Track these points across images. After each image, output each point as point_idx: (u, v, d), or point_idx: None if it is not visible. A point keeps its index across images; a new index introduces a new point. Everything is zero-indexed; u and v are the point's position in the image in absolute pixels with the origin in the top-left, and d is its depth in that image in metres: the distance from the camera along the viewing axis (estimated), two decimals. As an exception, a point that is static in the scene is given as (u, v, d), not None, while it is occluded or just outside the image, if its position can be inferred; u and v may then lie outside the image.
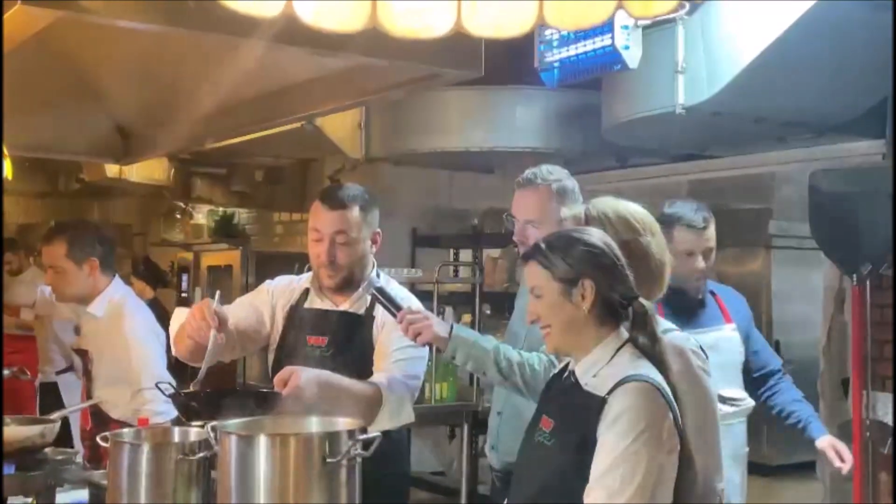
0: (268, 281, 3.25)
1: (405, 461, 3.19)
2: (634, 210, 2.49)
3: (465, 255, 8.00)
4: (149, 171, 8.28)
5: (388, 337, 2.92)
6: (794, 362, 6.91)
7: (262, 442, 1.98)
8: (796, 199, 6.29)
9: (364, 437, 2.01)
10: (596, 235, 2.24)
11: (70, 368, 6.55)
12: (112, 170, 7.96)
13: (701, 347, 2.45)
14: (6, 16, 2.28)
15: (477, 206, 7.49)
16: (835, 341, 5.92)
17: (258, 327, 3.09)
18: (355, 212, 2.97)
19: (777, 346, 7.10)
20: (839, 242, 4.93)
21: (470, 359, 2.76)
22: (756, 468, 7.11)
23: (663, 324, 2.36)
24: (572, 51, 4.31)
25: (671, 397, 2.09)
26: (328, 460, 1.95)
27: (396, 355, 2.89)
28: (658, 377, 2.10)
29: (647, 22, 4.10)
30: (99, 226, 4.48)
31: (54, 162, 8.87)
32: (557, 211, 3.02)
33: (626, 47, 4.08)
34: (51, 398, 6.19)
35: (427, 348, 2.94)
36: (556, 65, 4.39)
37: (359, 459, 2.02)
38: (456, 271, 7.72)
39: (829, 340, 6.02)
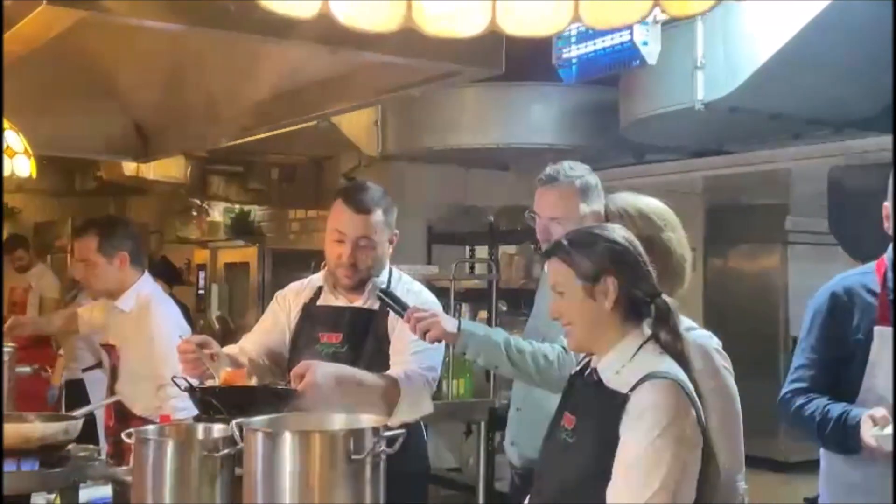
0: (278, 291, 3.27)
1: (425, 457, 3.19)
2: (655, 206, 2.49)
3: (481, 251, 8.00)
4: (166, 169, 8.31)
5: (402, 331, 2.92)
6: (811, 359, 6.92)
7: (288, 439, 1.99)
8: (813, 194, 6.27)
9: (389, 433, 2.02)
10: (618, 232, 2.23)
11: (98, 366, 6.57)
12: (129, 168, 8.00)
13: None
14: (30, 16, 2.30)
15: (493, 202, 7.48)
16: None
17: (282, 339, 3.13)
18: (379, 215, 2.99)
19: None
20: (859, 239, 4.90)
21: (481, 353, 2.75)
22: (774, 465, 7.13)
23: (685, 322, 2.35)
24: (590, 47, 4.30)
25: (694, 394, 2.08)
26: (353, 457, 1.96)
27: (412, 348, 2.90)
28: (681, 374, 2.10)
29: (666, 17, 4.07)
30: (129, 221, 4.55)
31: (71, 160, 8.91)
32: (580, 208, 3.01)
33: (645, 43, 4.06)
34: (76, 395, 6.21)
35: (442, 343, 2.94)
36: (574, 61, 4.38)
37: (383, 456, 2.02)
38: (472, 268, 7.71)
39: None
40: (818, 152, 5.81)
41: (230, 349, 3.05)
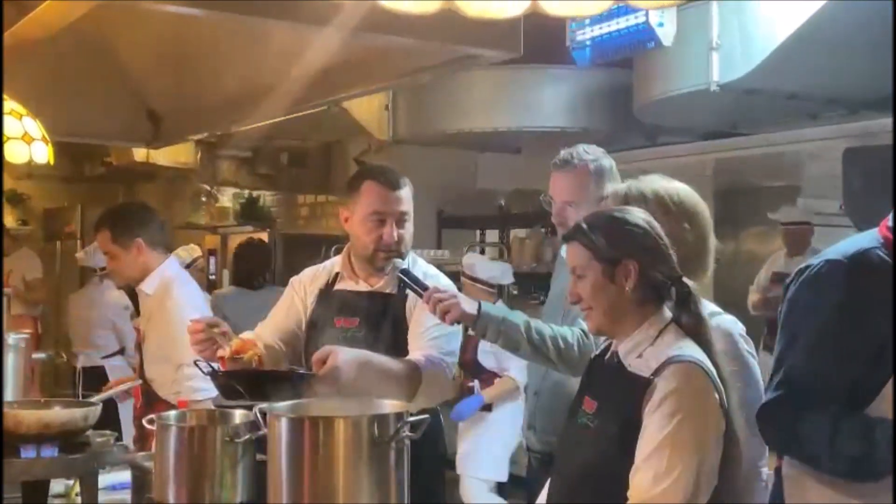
0: (294, 277, 3.26)
1: (442, 442, 3.18)
2: (675, 189, 2.45)
3: (492, 235, 7.99)
4: (175, 154, 8.31)
5: (420, 315, 2.90)
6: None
7: (312, 424, 1.99)
8: (824, 176, 6.23)
9: (412, 419, 2.01)
10: (638, 215, 2.21)
11: (120, 353, 6.59)
12: (139, 153, 8.00)
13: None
14: (45, 4, 2.29)
15: (503, 186, 7.46)
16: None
17: (299, 325, 3.10)
18: (409, 191, 2.98)
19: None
20: (874, 219, 4.86)
21: (500, 336, 2.72)
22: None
23: (709, 307, 2.34)
24: (605, 28, 4.26)
25: (716, 377, 2.06)
26: (377, 442, 1.95)
27: (431, 333, 2.87)
28: (702, 357, 2.08)
29: (683, -2, 4.04)
30: (141, 206, 4.51)
31: (80, 146, 8.90)
32: (596, 191, 3.00)
33: (661, 24, 4.02)
34: (95, 383, 6.20)
35: (460, 325, 2.91)
36: (587, 43, 4.33)
37: (407, 442, 2.01)
38: (482, 252, 7.71)
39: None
40: (831, 133, 5.78)
41: (245, 335, 3.04)
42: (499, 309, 2.83)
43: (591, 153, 3.09)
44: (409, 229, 2.97)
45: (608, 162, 3.09)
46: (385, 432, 1.97)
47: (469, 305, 2.71)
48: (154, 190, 11.05)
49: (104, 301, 6.63)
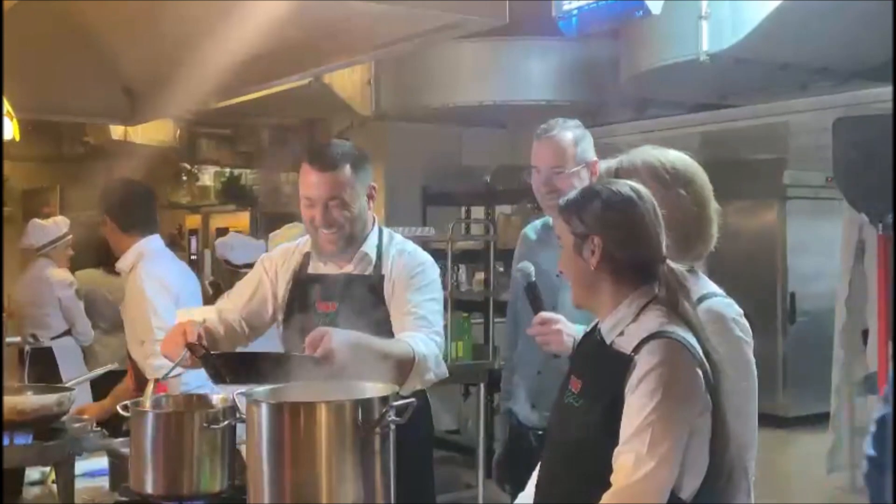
0: (263, 254, 3.15)
1: (430, 423, 3.10)
2: (667, 158, 2.35)
3: (477, 212, 7.90)
4: (154, 132, 8.19)
5: (401, 295, 2.82)
6: (810, 314, 6.88)
7: (293, 410, 1.90)
8: (810, 148, 6.18)
9: (398, 402, 1.92)
10: (622, 190, 2.14)
11: (67, 333, 6.47)
12: (117, 132, 7.88)
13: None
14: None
15: (488, 162, 7.37)
16: (854, 292, 5.81)
17: (264, 306, 2.99)
18: (346, 171, 2.81)
19: (792, 298, 7.06)
20: (865, 191, 4.82)
21: None
22: (771, 420, 7.11)
23: (707, 287, 2.26)
24: (592, -2, 4.17)
25: (701, 356, 1.99)
26: (361, 428, 1.87)
27: (416, 312, 2.79)
28: (687, 335, 2.01)
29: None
30: (113, 184, 4.38)
31: (58, 125, 8.78)
32: (578, 155, 3.06)
33: (649, -8, 3.93)
34: (43, 365, 6.06)
35: (442, 300, 2.88)
36: (574, 13, 4.23)
37: (392, 426, 1.93)
38: (467, 229, 7.62)
39: (850, 292, 5.91)
40: (819, 104, 5.71)
41: (207, 313, 2.93)
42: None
43: (569, 123, 3.15)
44: (345, 213, 2.82)
45: (585, 131, 3.17)
46: (370, 417, 1.89)
47: (569, 340, 2.65)
48: (133, 169, 10.88)
49: (48, 280, 6.46)
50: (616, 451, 1.95)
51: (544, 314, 2.73)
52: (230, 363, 2.49)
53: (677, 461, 1.92)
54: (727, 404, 2.00)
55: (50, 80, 4.41)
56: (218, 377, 2.50)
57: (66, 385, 3.07)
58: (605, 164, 2.38)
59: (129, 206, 3.95)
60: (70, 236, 6.60)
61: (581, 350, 2.28)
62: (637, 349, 1.98)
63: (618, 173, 2.33)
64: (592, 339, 2.18)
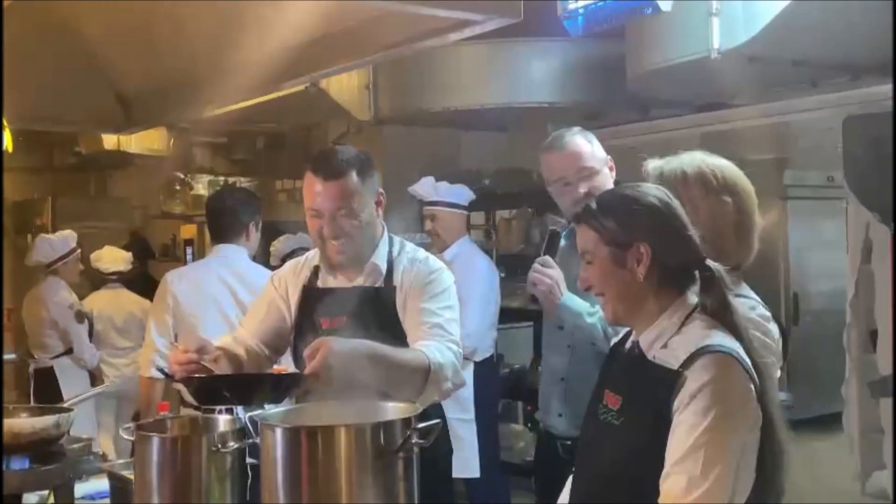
0: (273, 273, 3.04)
1: (448, 437, 2.99)
2: (719, 165, 2.27)
3: (477, 217, 7.80)
4: (147, 141, 8.09)
5: (415, 304, 2.70)
6: (814, 314, 6.80)
7: (310, 435, 1.78)
8: (812, 148, 6.10)
9: (423, 425, 1.80)
10: (652, 193, 2.04)
11: (68, 352, 6.34)
12: (110, 141, 7.78)
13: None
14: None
15: (488, 166, 7.27)
16: (861, 293, 5.72)
17: (281, 324, 2.87)
18: (353, 178, 2.68)
19: (796, 299, 6.98)
20: (875, 190, 4.73)
21: (577, 329, 2.83)
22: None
23: (742, 291, 2.17)
24: (599, -5, 4.05)
25: (751, 367, 1.90)
26: (384, 453, 1.75)
27: (430, 321, 2.67)
28: (736, 346, 1.91)
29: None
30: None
31: (49, 135, 8.65)
32: (599, 153, 3.05)
33: (659, -11, 3.82)
34: (46, 385, 5.94)
35: (458, 308, 2.78)
36: (580, 11, 4.12)
37: (416, 450, 1.81)
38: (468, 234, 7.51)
39: (857, 292, 5.82)
40: (827, 102, 5.62)
41: (225, 342, 2.81)
42: (578, 303, 2.88)
43: (573, 129, 3.13)
44: (355, 223, 2.70)
45: (591, 135, 3.16)
46: (392, 441, 1.77)
47: (554, 295, 2.84)
48: (126, 179, 10.80)
49: (52, 300, 6.34)
50: (664, 472, 1.86)
51: (549, 258, 2.86)
52: (216, 386, 2.37)
53: (730, 483, 1.83)
54: (777, 413, 1.91)
55: (42, 89, 4.32)
56: (202, 399, 2.39)
57: (65, 406, 2.96)
58: (651, 164, 2.30)
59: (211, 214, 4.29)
60: (79, 250, 6.45)
61: (615, 363, 2.16)
62: (686, 364, 1.88)
63: (662, 175, 2.24)
64: (628, 352, 2.09)
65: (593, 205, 2.06)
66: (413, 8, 2.45)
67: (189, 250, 9.10)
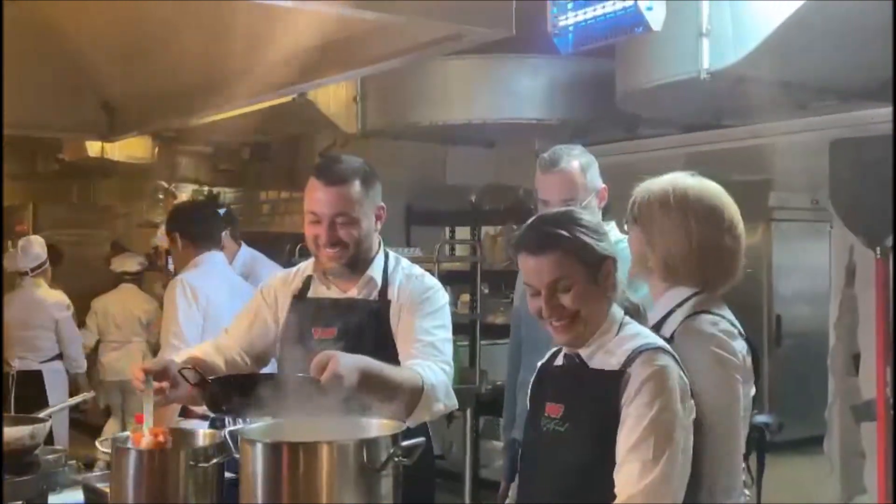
0: (262, 284, 2.99)
1: (431, 453, 2.93)
2: (686, 186, 2.22)
3: (462, 232, 7.78)
4: (132, 149, 8.05)
5: (409, 321, 2.66)
6: (796, 336, 6.81)
7: (291, 451, 1.74)
8: (797, 170, 6.12)
9: (406, 443, 1.76)
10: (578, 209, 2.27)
11: (59, 357, 6.29)
12: (94, 149, 7.73)
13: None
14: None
15: (474, 181, 7.27)
16: (844, 316, 5.73)
17: (266, 335, 2.82)
18: (356, 187, 2.66)
19: (778, 321, 6.99)
20: (862, 214, 4.75)
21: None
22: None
23: (716, 310, 2.19)
24: (589, 13, 4.02)
25: (680, 361, 2.03)
26: (367, 470, 1.71)
27: (423, 339, 2.64)
28: (663, 342, 2.06)
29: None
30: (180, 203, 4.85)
31: (32, 141, 8.59)
32: (590, 184, 3.06)
33: (650, 8, 3.79)
34: (32, 389, 5.85)
35: (451, 328, 2.75)
36: (570, 28, 4.10)
37: (400, 468, 1.77)
38: (452, 249, 7.49)
39: (840, 315, 5.83)
40: (814, 125, 5.65)
41: (204, 350, 2.76)
42: None
43: (574, 150, 3.14)
44: (353, 231, 2.66)
45: (591, 156, 3.16)
46: (376, 458, 1.74)
47: None
48: (110, 187, 10.74)
49: (42, 301, 6.35)
50: (618, 464, 1.95)
51: None
52: (228, 387, 2.32)
53: (680, 466, 1.94)
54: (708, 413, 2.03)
55: (26, 95, 4.28)
56: (215, 404, 2.33)
57: (39, 416, 2.90)
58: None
59: (195, 222, 4.31)
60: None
61: (548, 380, 2.21)
62: (627, 363, 2.00)
63: (665, 198, 2.22)
64: (563, 367, 2.16)
65: (561, 230, 2.07)
66: (405, 21, 2.42)
67: (169, 259, 9.06)
